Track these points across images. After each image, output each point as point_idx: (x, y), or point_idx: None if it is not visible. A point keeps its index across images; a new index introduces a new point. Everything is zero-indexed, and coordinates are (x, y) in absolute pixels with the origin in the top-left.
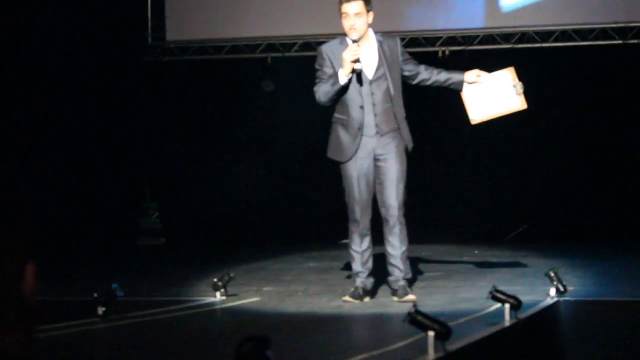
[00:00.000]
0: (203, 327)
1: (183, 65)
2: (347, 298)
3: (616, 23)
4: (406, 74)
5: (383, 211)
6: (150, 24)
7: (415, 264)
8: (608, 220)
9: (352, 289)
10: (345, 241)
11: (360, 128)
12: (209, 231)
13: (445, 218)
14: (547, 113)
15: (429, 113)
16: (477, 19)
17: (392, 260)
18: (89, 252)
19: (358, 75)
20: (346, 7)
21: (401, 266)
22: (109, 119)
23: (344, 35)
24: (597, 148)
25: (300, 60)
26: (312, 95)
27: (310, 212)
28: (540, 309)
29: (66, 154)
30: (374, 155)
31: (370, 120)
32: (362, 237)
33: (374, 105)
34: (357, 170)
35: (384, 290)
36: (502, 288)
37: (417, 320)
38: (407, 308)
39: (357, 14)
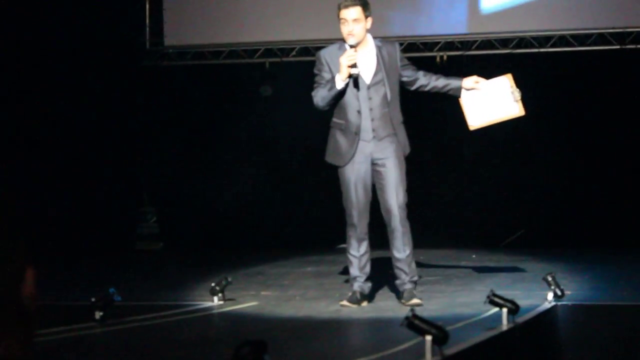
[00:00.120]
0: (200, 332)
1: (181, 70)
2: (345, 302)
3: (614, 28)
4: (404, 79)
5: (385, 215)
6: (148, 28)
7: None
8: (605, 224)
9: (350, 293)
10: (343, 245)
11: (357, 132)
12: (207, 235)
13: (443, 222)
14: (544, 117)
15: (427, 117)
16: (460, 24)
17: (398, 264)
18: (87, 256)
19: (355, 79)
20: (344, 13)
21: (406, 269)
22: (107, 123)
23: (343, 40)
24: (595, 153)
25: (298, 65)
26: (310, 99)
27: (308, 216)
28: (538, 313)
29: (64, 158)
30: (372, 160)
31: (367, 125)
32: (360, 241)
33: (371, 109)
34: (354, 175)
35: (381, 294)
36: (499, 292)
37: (415, 324)
38: (405, 312)
39: (355, 20)
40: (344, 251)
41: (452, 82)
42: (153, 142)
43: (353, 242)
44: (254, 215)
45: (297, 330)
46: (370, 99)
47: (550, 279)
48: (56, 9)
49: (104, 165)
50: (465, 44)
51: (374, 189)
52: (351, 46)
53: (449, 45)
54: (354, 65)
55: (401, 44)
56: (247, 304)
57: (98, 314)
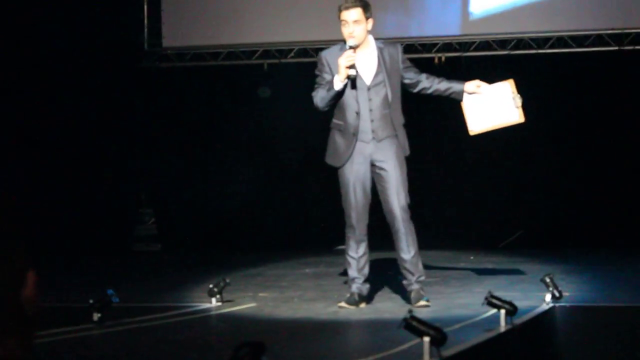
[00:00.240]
0: (198, 333)
1: (180, 71)
2: (343, 304)
3: (612, 29)
4: (406, 81)
5: (388, 217)
6: (146, 30)
7: None
8: (603, 226)
9: (348, 295)
10: (341, 247)
11: (355, 133)
12: (205, 237)
13: (441, 224)
14: (543, 119)
15: (425, 119)
16: (457, 25)
17: (404, 264)
18: (85, 257)
19: (353, 81)
20: (345, 15)
21: (413, 269)
22: (106, 124)
23: (344, 41)
24: (593, 154)
25: (297, 66)
26: (308, 100)
27: (306, 218)
28: (536, 314)
29: (62, 159)
30: (371, 161)
31: (366, 126)
32: (358, 242)
33: (371, 110)
34: (352, 176)
35: (379, 295)
36: (497, 294)
37: (412, 325)
38: (403, 313)
39: (356, 21)
40: (343, 252)
41: (455, 86)
42: (151, 143)
43: (352, 244)
44: (252, 216)
45: (295, 331)
46: (370, 100)
47: (548, 280)
48: (55, 10)
49: (102, 167)
50: (464, 46)
51: (374, 191)
52: (351, 47)
53: (447, 46)
54: (352, 67)
55: None
56: (245, 306)
57: (96, 316)
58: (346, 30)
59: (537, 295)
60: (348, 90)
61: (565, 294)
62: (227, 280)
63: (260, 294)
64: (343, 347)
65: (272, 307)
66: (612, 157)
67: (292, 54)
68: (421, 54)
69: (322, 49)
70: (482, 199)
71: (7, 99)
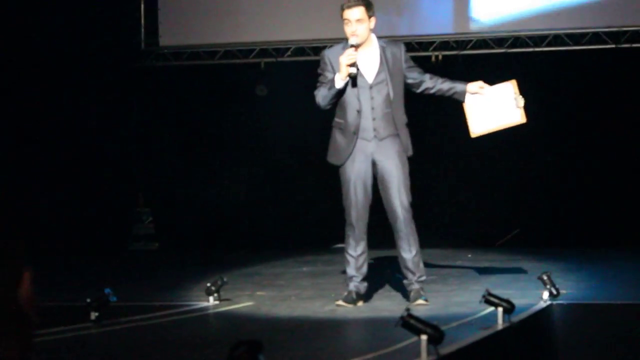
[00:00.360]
0: (196, 332)
1: (176, 70)
2: (340, 302)
3: (609, 27)
4: (410, 81)
5: (390, 216)
6: (143, 29)
7: None
8: (600, 223)
9: (345, 293)
10: (339, 245)
11: (356, 132)
12: (202, 236)
13: (439, 222)
14: (540, 117)
15: (423, 117)
16: (454, 23)
17: (405, 264)
18: (83, 256)
19: (354, 79)
20: (347, 14)
21: (414, 269)
22: (103, 124)
23: (346, 40)
24: (590, 152)
25: (293, 65)
26: (306, 99)
27: (304, 216)
28: (533, 312)
29: (60, 159)
30: (372, 160)
31: (368, 124)
32: (358, 241)
33: (372, 109)
34: (353, 174)
35: (377, 294)
36: (494, 291)
37: (410, 323)
38: (401, 311)
39: (358, 20)
40: (340, 251)
41: (457, 86)
42: (149, 142)
43: (351, 242)
44: (249, 215)
45: (292, 330)
46: (372, 98)
47: (545, 278)
48: (51, 10)
49: (99, 166)
50: (460, 44)
51: (375, 190)
52: (352, 46)
53: (444, 44)
54: (353, 65)
55: None
56: (242, 304)
57: (94, 315)
58: (349, 29)
59: (535, 293)
60: (349, 89)
61: (562, 291)
62: (225, 279)
63: (258, 293)
64: (341, 346)
65: (270, 305)
66: (610, 155)
67: (289, 53)
68: (418, 52)
69: (318, 48)
70: (479, 198)
71: (4, 98)
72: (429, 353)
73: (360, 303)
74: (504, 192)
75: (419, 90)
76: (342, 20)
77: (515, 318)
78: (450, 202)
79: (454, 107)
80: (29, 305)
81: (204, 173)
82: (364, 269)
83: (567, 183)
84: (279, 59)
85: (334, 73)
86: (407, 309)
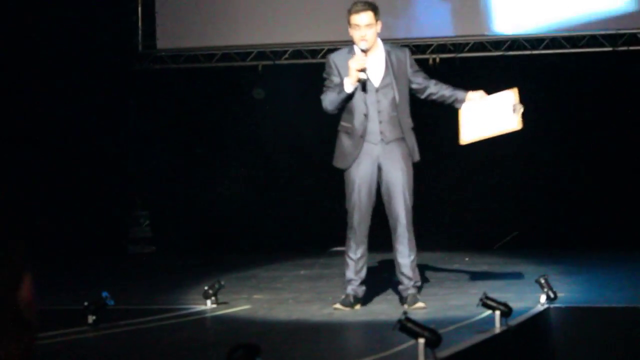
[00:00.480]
0: (193, 335)
1: (174, 73)
2: (338, 305)
3: (606, 30)
4: (414, 86)
5: (391, 220)
6: (140, 32)
7: None
8: (598, 227)
9: (343, 296)
10: (337, 249)
11: (363, 135)
12: (200, 239)
13: (436, 225)
14: (537, 120)
15: (421, 120)
16: (451, 26)
17: (402, 269)
18: (80, 260)
19: (363, 84)
20: (357, 19)
21: (410, 274)
22: (100, 127)
23: (351, 43)
24: (588, 155)
25: (291, 68)
26: (303, 102)
27: (301, 219)
28: (531, 315)
29: (56, 162)
30: (378, 164)
31: (374, 128)
32: (358, 244)
33: (379, 112)
34: (358, 177)
35: (374, 297)
36: (492, 295)
37: (407, 327)
38: (398, 315)
39: (368, 25)
40: (338, 254)
41: (459, 94)
42: (146, 145)
43: (352, 245)
44: (246, 218)
45: (290, 333)
46: (378, 102)
47: (543, 281)
48: (47, 13)
49: (97, 169)
50: (458, 47)
51: (378, 194)
52: (362, 51)
53: (442, 47)
54: (362, 70)
55: None
56: (240, 308)
57: (91, 318)
58: (358, 34)
59: (532, 296)
60: (357, 93)
61: (560, 294)
62: (222, 282)
63: (255, 296)
64: (338, 349)
65: (267, 309)
66: (608, 157)
67: (286, 56)
68: (415, 55)
69: (316, 51)
70: (477, 201)
71: (2, 101)
72: (426, 356)
73: (357, 307)
74: (502, 195)
75: (423, 96)
76: (348, 24)
77: (513, 321)
78: (448, 204)
79: (453, 109)
80: (29, 308)
81: (201, 176)
82: (363, 272)
83: (566, 186)
84: (277, 62)
85: (340, 77)
86: (405, 312)
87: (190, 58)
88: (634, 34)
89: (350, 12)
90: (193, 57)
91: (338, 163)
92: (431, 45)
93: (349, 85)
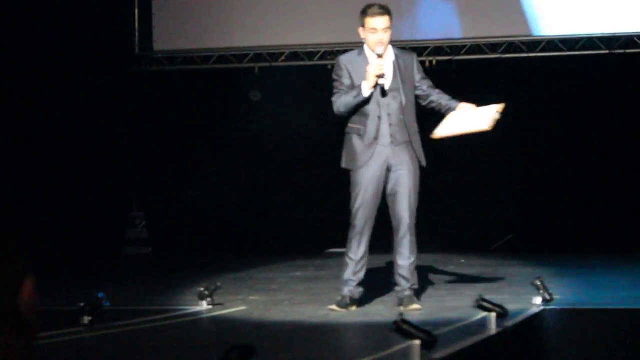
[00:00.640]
0: (189, 336)
1: (170, 75)
2: (333, 306)
3: (603, 33)
4: (419, 92)
5: (394, 221)
6: (137, 34)
7: None
8: (593, 229)
9: (339, 297)
10: (333, 250)
11: (377, 137)
12: (195, 240)
13: (432, 227)
14: (533, 122)
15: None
16: (449, 28)
17: (400, 271)
18: (76, 261)
19: (383, 89)
20: (375, 22)
21: (409, 276)
22: (96, 128)
23: (360, 45)
24: (585, 157)
25: (288, 70)
26: (299, 104)
27: (298, 221)
28: (526, 317)
29: (53, 163)
30: (388, 165)
31: (385, 130)
32: (360, 245)
33: (389, 115)
34: (367, 178)
35: (370, 298)
36: (488, 297)
37: (403, 328)
38: (394, 316)
39: (385, 29)
40: (333, 256)
41: (452, 104)
42: (142, 147)
43: (353, 245)
44: (243, 220)
45: (285, 334)
46: (388, 104)
47: (538, 283)
48: (44, 15)
49: (93, 170)
50: (454, 49)
51: (383, 196)
52: (379, 55)
53: (438, 50)
54: (381, 75)
55: None
56: (235, 309)
57: (87, 319)
58: (376, 38)
59: (528, 298)
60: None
61: (555, 297)
62: (218, 284)
63: (251, 297)
64: (334, 351)
65: (263, 310)
66: (604, 160)
67: (283, 58)
68: None
69: (313, 53)
70: (472, 202)
71: None
72: (422, 358)
73: (353, 308)
74: (498, 197)
75: (424, 103)
76: (362, 26)
77: (508, 323)
78: (444, 207)
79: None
80: (30, 310)
81: (197, 177)
82: (362, 274)
83: (561, 188)
84: (273, 64)
85: (351, 79)
86: (401, 314)
87: (186, 60)
88: (630, 37)
89: (366, 14)
90: (190, 59)
91: (348, 164)
92: (428, 47)
93: (366, 90)
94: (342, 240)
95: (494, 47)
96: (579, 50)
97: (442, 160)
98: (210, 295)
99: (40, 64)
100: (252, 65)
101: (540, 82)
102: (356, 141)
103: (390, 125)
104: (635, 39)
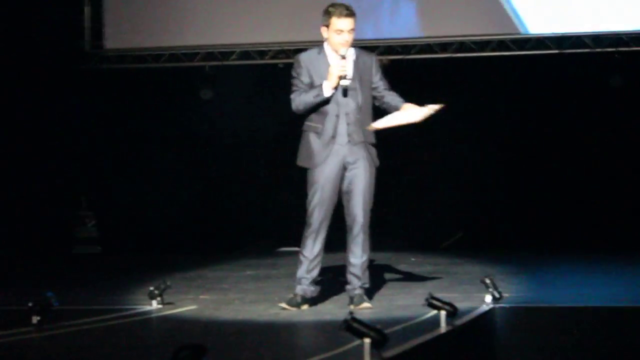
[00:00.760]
0: (139, 336)
1: (121, 73)
2: (284, 305)
3: (553, 33)
4: (375, 93)
5: (348, 219)
6: (87, 31)
7: None
8: (542, 227)
9: (291, 295)
10: (283, 249)
11: (334, 136)
12: (146, 240)
13: (382, 226)
14: (483, 122)
15: None
16: (401, 28)
17: (352, 269)
18: (24, 259)
19: (345, 89)
20: (341, 23)
21: (360, 275)
22: (46, 126)
23: (320, 43)
24: (534, 156)
25: (239, 69)
26: (251, 102)
27: (248, 220)
28: (476, 315)
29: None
30: (344, 164)
31: (343, 129)
32: (315, 243)
33: (347, 114)
34: (324, 177)
35: (321, 297)
36: (437, 295)
37: (353, 327)
38: (344, 315)
39: (351, 30)
40: (284, 254)
41: (399, 104)
42: (93, 145)
43: (308, 243)
44: (192, 219)
45: (236, 333)
46: (346, 104)
47: (488, 281)
48: None
49: (41, 169)
50: (405, 48)
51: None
52: (342, 57)
53: (390, 49)
54: (343, 76)
55: None
56: (185, 308)
57: (36, 319)
58: (341, 39)
59: (478, 296)
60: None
61: (505, 295)
62: (168, 283)
63: (201, 296)
64: (284, 349)
65: (213, 309)
66: (552, 158)
67: (233, 56)
68: None
69: (264, 52)
70: (422, 201)
71: None
72: (372, 356)
73: (305, 307)
74: (448, 195)
75: (378, 103)
76: (325, 26)
77: (458, 321)
78: (394, 205)
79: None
80: None
81: (147, 176)
82: (315, 272)
83: (511, 186)
84: (225, 63)
85: (310, 78)
86: (351, 313)
87: (137, 58)
88: (580, 37)
89: (331, 14)
90: (140, 57)
91: (304, 162)
92: (378, 46)
93: (328, 90)
94: (294, 238)
95: (444, 46)
96: (528, 49)
97: (393, 161)
98: (160, 295)
99: None
100: (203, 63)
101: (491, 81)
102: (313, 139)
103: (348, 124)
104: (585, 39)
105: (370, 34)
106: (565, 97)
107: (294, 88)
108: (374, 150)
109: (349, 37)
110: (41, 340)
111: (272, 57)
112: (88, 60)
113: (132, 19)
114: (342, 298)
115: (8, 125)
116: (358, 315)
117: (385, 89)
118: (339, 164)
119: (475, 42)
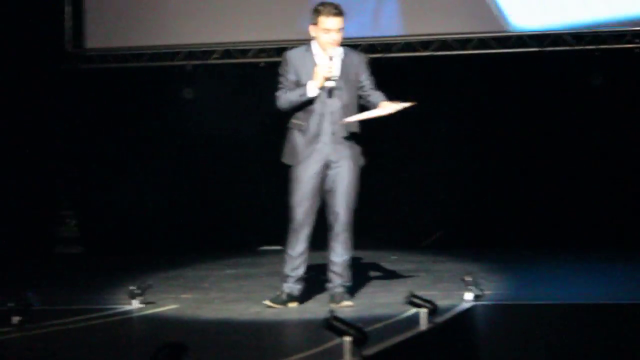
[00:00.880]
0: (119, 335)
1: (102, 73)
2: (268, 302)
3: (532, 30)
4: (361, 92)
5: (331, 218)
6: (68, 31)
7: None
8: (523, 224)
9: (277, 293)
10: (264, 247)
11: (319, 134)
12: (127, 239)
13: (362, 223)
14: (464, 119)
15: None
16: (381, 26)
17: (334, 268)
18: (4, 259)
19: (331, 90)
20: (330, 22)
21: (342, 273)
22: (26, 127)
23: (308, 42)
24: (514, 154)
25: (221, 68)
26: (232, 102)
27: (229, 218)
28: (456, 313)
29: None
30: (327, 162)
31: (327, 127)
32: (299, 241)
33: (331, 113)
34: (307, 174)
35: (303, 296)
36: (418, 293)
37: (334, 325)
38: (325, 313)
39: (339, 30)
40: (265, 253)
41: (378, 102)
42: (74, 145)
43: (292, 241)
44: (174, 218)
45: (217, 332)
46: (331, 102)
47: (469, 279)
48: None
49: (22, 168)
50: (386, 47)
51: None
52: (330, 57)
53: (371, 47)
54: (329, 78)
55: None
56: (167, 307)
57: (16, 319)
58: (329, 38)
59: (458, 294)
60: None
61: (486, 292)
62: (149, 282)
63: (182, 296)
64: (265, 348)
65: (194, 308)
66: (533, 157)
67: (215, 55)
68: None
69: (245, 50)
70: (403, 198)
71: None
72: (352, 354)
73: (293, 304)
74: (429, 193)
75: (362, 102)
76: (313, 24)
77: (439, 319)
78: (375, 203)
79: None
80: None
81: (128, 176)
82: (301, 270)
83: (492, 184)
84: (206, 62)
85: (296, 76)
86: (331, 311)
87: (119, 58)
88: (560, 35)
89: (320, 13)
90: (122, 57)
91: (288, 159)
92: (359, 45)
93: (313, 90)
94: (275, 237)
95: (425, 44)
96: (510, 47)
97: (373, 158)
98: (141, 294)
99: None
100: (184, 62)
101: (472, 80)
102: (298, 137)
103: (332, 123)
104: (565, 37)
105: (353, 32)
106: (548, 95)
107: (280, 85)
108: (358, 149)
109: (337, 36)
110: (22, 340)
111: (254, 56)
112: (69, 60)
113: (113, 18)
114: (323, 296)
115: None
116: (339, 314)
117: (371, 88)
118: (321, 161)
119: (456, 40)
